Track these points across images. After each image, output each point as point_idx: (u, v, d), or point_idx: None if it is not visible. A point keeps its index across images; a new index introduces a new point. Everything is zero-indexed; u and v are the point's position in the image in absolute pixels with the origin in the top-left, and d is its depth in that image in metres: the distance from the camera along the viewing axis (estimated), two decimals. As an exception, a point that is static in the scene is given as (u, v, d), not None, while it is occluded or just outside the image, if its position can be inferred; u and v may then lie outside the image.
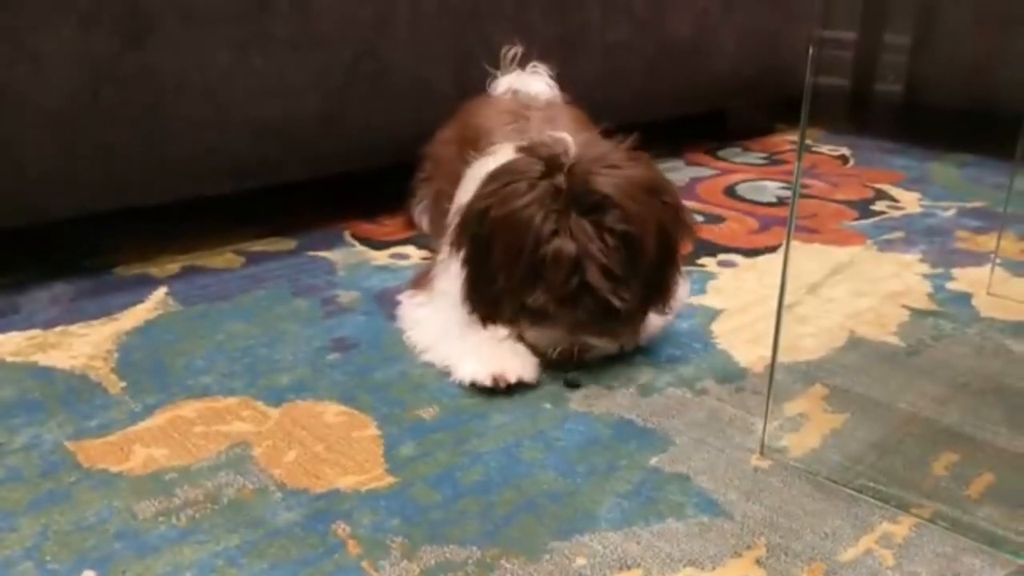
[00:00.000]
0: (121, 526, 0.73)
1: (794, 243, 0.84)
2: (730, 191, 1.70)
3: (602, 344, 0.99)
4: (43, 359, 1.01)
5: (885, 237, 1.45)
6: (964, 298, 1.21)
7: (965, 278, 1.28)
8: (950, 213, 1.58)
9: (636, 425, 0.89)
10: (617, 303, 0.94)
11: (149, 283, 1.22)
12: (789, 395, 0.95)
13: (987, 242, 1.40)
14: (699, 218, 1.50)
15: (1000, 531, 0.75)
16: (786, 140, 2.11)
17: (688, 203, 1.53)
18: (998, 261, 1.27)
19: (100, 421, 0.88)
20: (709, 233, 1.45)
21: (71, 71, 1.14)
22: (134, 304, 1.15)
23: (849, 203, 1.63)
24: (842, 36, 2.08)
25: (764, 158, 1.95)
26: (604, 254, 0.93)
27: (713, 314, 1.14)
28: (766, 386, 0.88)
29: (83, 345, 1.04)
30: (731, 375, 0.99)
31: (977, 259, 1.34)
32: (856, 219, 1.54)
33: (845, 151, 2.01)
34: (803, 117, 0.81)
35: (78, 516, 0.74)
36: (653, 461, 0.83)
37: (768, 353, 0.86)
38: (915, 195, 1.68)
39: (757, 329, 1.09)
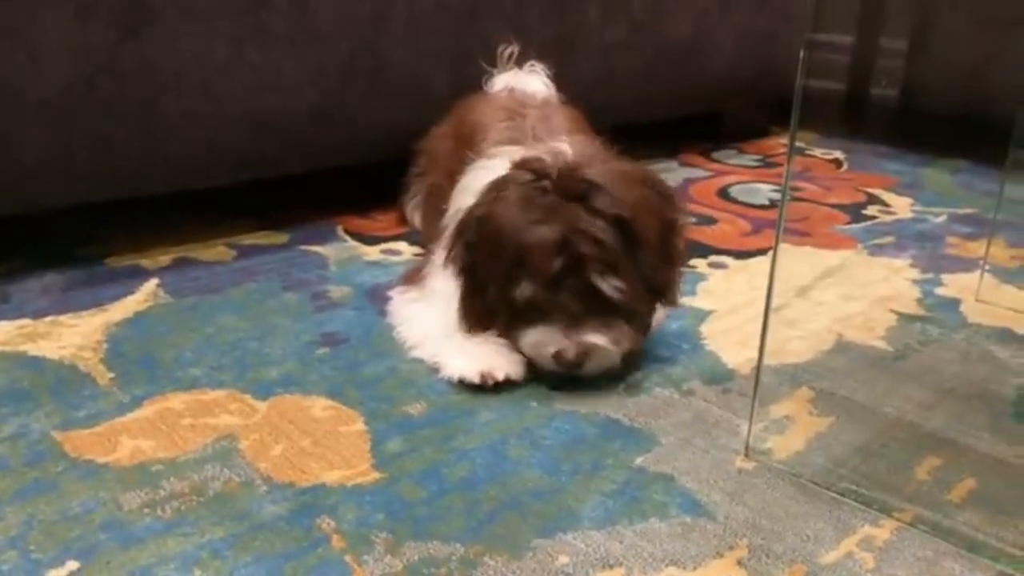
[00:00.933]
0: (106, 517, 0.74)
1: (785, 246, 0.84)
2: (723, 193, 1.70)
3: (604, 344, 0.93)
4: (32, 349, 1.01)
5: (876, 241, 1.46)
6: (952, 304, 1.21)
7: (954, 284, 1.28)
8: (941, 219, 1.58)
9: (622, 424, 0.90)
10: (607, 289, 0.91)
11: (140, 274, 1.22)
12: (775, 397, 0.96)
13: (977, 248, 1.40)
14: (691, 219, 1.50)
15: (981, 536, 0.75)
16: (780, 143, 2.11)
17: (681, 204, 1.54)
18: (987, 267, 1.28)
19: (88, 412, 0.88)
20: (701, 235, 1.45)
21: (68, 62, 1.14)
22: (125, 295, 1.15)
23: (841, 207, 1.63)
24: (837, 39, 2.08)
25: (758, 160, 1.96)
26: (594, 231, 0.91)
27: (702, 315, 1.15)
28: (752, 388, 0.89)
29: (73, 335, 1.04)
30: (718, 376, 1.00)
31: (967, 265, 1.35)
32: (847, 223, 1.54)
33: (839, 155, 2.01)
34: (794, 120, 0.82)
35: (63, 506, 0.75)
36: (638, 461, 0.84)
37: (756, 355, 0.86)
38: (907, 200, 1.68)
39: (746, 331, 1.10)
